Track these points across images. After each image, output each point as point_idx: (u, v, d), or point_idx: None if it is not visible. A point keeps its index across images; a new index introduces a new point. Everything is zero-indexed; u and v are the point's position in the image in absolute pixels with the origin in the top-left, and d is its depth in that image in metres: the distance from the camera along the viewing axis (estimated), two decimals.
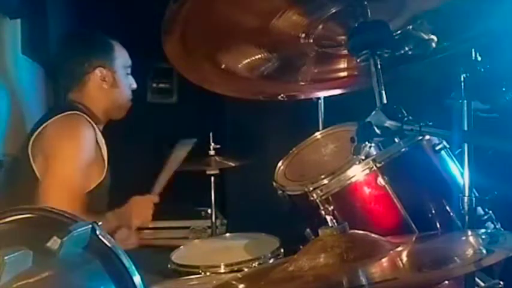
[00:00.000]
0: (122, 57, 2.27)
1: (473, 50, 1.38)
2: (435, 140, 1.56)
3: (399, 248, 1.15)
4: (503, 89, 1.52)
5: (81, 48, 2.26)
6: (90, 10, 3.33)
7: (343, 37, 1.59)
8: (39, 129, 2.04)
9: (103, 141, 2.14)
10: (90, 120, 2.11)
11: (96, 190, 2.12)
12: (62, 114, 2.08)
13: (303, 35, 1.56)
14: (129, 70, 2.29)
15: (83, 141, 2.06)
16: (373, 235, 1.19)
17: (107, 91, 2.23)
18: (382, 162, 1.49)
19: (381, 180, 1.48)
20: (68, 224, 0.81)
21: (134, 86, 2.32)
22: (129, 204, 2.17)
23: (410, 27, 1.58)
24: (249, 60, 1.66)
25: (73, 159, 2.03)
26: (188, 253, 2.20)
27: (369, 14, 1.51)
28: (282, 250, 2.04)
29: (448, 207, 1.53)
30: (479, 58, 1.38)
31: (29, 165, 2.01)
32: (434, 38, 1.61)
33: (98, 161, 2.12)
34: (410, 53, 1.66)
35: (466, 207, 1.34)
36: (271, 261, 1.96)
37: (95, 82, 2.21)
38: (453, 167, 1.58)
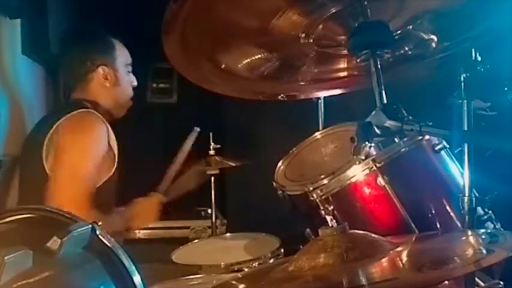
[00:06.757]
0: (123, 55, 2.27)
1: (473, 50, 1.38)
2: (435, 140, 1.56)
3: (399, 248, 1.15)
4: (505, 89, 1.52)
5: (83, 47, 2.25)
6: (91, 10, 3.33)
7: (343, 37, 1.59)
8: (53, 129, 2.02)
9: (114, 137, 2.14)
10: (101, 117, 2.11)
11: (106, 185, 2.11)
12: (75, 111, 2.07)
13: (303, 35, 1.56)
14: (129, 68, 2.29)
15: (97, 135, 2.06)
16: (373, 235, 1.19)
17: (110, 89, 2.22)
18: (382, 162, 1.49)
19: (380, 180, 1.48)
20: (68, 224, 0.81)
21: (135, 83, 2.31)
22: (134, 206, 2.17)
23: (410, 27, 1.58)
24: (249, 60, 1.66)
25: (85, 152, 2.03)
26: (188, 253, 2.20)
27: (369, 14, 1.50)
28: (282, 250, 2.04)
29: (448, 207, 1.53)
30: (479, 58, 1.38)
31: (40, 165, 2.00)
32: (434, 38, 1.61)
33: (109, 155, 2.12)
34: (410, 53, 1.66)
35: (466, 207, 1.34)
36: (271, 261, 1.96)
37: (98, 81, 2.21)
38: (453, 167, 1.58)
